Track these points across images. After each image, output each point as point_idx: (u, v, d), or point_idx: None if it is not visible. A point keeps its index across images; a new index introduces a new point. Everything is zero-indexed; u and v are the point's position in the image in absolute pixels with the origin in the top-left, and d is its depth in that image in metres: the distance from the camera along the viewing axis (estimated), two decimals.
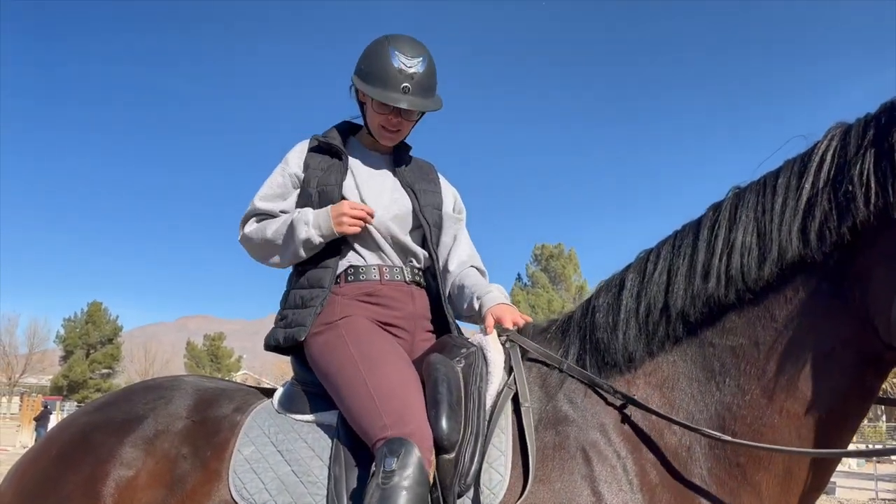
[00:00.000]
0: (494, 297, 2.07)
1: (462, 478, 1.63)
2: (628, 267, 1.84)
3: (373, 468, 1.64)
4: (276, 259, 2.15)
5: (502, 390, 1.77)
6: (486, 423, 1.71)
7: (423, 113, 2.21)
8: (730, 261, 1.63)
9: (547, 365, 1.83)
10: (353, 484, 1.74)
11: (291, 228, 2.07)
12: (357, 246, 2.12)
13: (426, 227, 2.17)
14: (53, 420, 23.79)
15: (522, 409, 1.72)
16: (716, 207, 1.72)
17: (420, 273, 2.19)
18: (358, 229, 2.06)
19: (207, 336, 58.56)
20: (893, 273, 1.45)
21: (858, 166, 1.49)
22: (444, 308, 2.15)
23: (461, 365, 1.84)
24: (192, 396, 2.06)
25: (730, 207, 1.68)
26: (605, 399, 1.72)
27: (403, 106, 2.08)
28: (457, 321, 2.18)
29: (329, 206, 2.07)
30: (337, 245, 2.10)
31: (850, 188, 1.49)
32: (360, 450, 1.78)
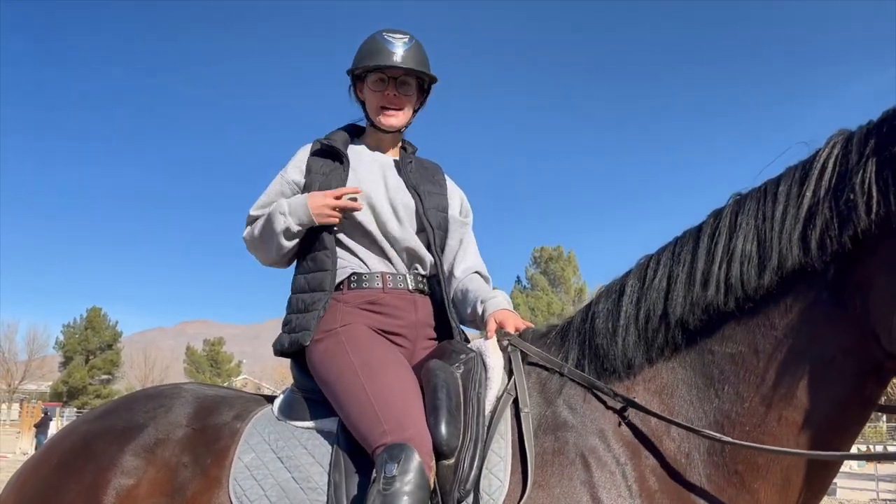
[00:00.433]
0: (498, 302, 2.07)
1: (461, 483, 1.63)
2: (628, 273, 1.84)
3: (373, 474, 1.64)
4: (273, 255, 2.15)
5: (502, 395, 1.77)
6: (486, 428, 1.71)
7: (422, 99, 2.23)
8: (729, 269, 1.62)
9: (547, 369, 1.83)
10: (354, 490, 1.74)
11: (269, 221, 2.09)
12: (361, 251, 2.11)
13: (429, 230, 2.15)
14: (53, 426, 23.73)
15: (522, 415, 1.72)
16: (716, 214, 1.72)
17: (424, 280, 2.18)
18: (336, 220, 2.05)
19: (207, 341, 58.45)
20: (895, 282, 1.44)
21: (860, 175, 1.48)
22: (449, 314, 2.14)
23: (460, 371, 1.84)
24: (193, 404, 2.06)
25: (730, 215, 1.67)
26: (604, 404, 1.72)
27: (398, 61, 2.11)
28: (461, 326, 2.16)
29: (306, 195, 2.07)
30: (337, 247, 2.10)
31: (852, 197, 1.48)
32: (360, 456, 1.78)
